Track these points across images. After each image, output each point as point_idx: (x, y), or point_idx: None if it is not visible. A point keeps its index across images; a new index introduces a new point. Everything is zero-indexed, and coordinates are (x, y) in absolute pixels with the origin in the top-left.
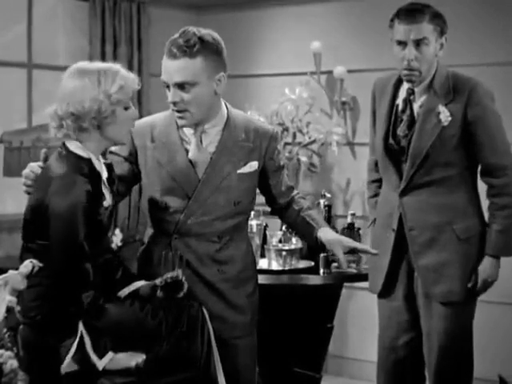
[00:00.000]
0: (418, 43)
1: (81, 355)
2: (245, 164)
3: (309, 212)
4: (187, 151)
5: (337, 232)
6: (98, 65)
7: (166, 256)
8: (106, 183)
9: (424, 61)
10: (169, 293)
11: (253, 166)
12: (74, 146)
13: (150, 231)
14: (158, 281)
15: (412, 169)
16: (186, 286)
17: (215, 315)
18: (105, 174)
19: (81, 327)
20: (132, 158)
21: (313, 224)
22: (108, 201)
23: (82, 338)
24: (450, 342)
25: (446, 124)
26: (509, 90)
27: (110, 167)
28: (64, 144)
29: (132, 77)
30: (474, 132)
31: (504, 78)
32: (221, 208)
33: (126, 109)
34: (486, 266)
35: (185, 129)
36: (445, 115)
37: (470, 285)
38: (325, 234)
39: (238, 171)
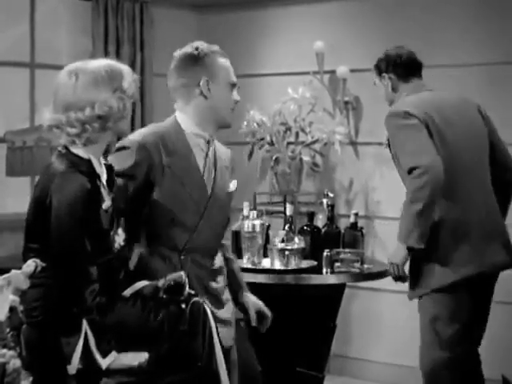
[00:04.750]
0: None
1: (85, 354)
2: (230, 182)
3: (235, 266)
4: (199, 169)
5: (339, 232)
6: (97, 63)
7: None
8: (106, 185)
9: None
10: (171, 295)
11: (234, 184)
12: (74, 148)
13: (152, 246)
14: (160, 283)
15: None
16: (187, 288)
17: None
18: (104, 176)
19: (85, 325)
20: (147, 178)
21: (241, 285)
22: (107, 203)
23: (86, 336)
24: None
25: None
26: (502, 90)
27: (109, 169)
28: (65, 145)
29: (128, 69)
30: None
31: (499, 77)
32: (220, 224)
33: None
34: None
35: (191, 141)
36: None
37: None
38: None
39: (228, 190)
